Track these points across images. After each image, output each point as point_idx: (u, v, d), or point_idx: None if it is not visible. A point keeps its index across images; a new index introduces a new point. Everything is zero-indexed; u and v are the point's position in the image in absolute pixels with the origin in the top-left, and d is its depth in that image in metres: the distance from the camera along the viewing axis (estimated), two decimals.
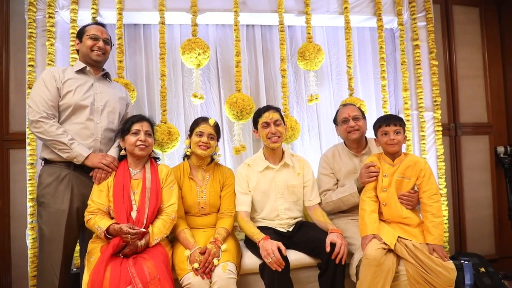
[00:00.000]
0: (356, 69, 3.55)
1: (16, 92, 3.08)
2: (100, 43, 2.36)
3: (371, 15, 3.38)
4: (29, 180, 2.74)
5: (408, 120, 3.35)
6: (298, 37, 3.50)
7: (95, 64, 2.38)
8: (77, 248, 2.43)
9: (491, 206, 3.82)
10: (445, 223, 3.31)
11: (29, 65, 2.80)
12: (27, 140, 2.76)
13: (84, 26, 2.43)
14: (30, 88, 2.77)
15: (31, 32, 2.83)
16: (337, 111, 2.72)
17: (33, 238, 2.69)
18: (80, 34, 2.39)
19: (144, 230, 2.02)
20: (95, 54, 2.36)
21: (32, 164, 2.75)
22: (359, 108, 2.66)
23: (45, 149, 2.24)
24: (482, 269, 3.19)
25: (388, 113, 3.22)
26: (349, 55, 3.29)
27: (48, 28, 2.84)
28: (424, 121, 3.36)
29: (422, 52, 3.40)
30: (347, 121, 2.55)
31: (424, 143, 3.35)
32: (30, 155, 2.75)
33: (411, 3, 3.42)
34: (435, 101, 3.39)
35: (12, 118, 3.07)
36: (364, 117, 2.63)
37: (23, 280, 2.92)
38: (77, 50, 2.42)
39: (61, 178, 2.19)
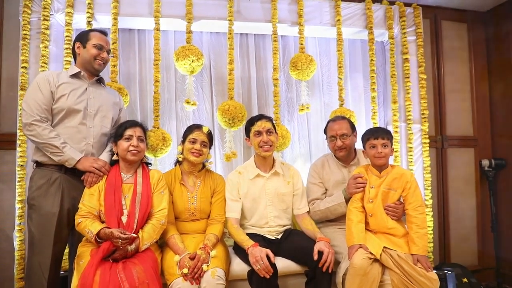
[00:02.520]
0: (347, 80, 3.62)
1: (7, 93, 3.07)
2: (104, 54, 2.39)
3: (363, 28, 3.46)
4: (19, 181, 2.73)
5: (396, 132, 3.42)
6: (291, 47, 3.56)
7: (94, 72, 2.41)
8: (66, 250, 2.43)
9: (475, 217, 3.91)
10: (430, 234, 3.38)
11: (22, 67, 2.80)
12: (18, 142, 2.76)
13: (88, 31, 2.44)
14: (22, 89, 2.77)
15: (25, 34, 2.83)
16: (327, 122, 2.77)
17: (20, 240, 2.68)
18: (84, 39, 2.39)
19: (135, 235, 2.04)
20: (97, 63, 2.38)
21: (22, 165, 2.74)
22: (348, 120, 2.72)
23: (37, 152, 2.24)
24: (465, 280, 3.26)
25: (377, 125, 3.29)
26: (340, 66, 3.36)
27: (43, 30, 2.84)
28: (412, 133, 3.44)
29: (411, 66, 3.50)
30: (335, 139, 2.61)
31: (411, 155, 3.43)
32: (21, 156, 2.74)
33: (401, 18, 3.51)
34: (423, 113, 3.47)
35: (2, 119, 3.06)
36: (354, 130, 2.68)
37: (9, 282, 2.90)
38: (76, 53, 2.42)
39: (52, 180, 2.19)
